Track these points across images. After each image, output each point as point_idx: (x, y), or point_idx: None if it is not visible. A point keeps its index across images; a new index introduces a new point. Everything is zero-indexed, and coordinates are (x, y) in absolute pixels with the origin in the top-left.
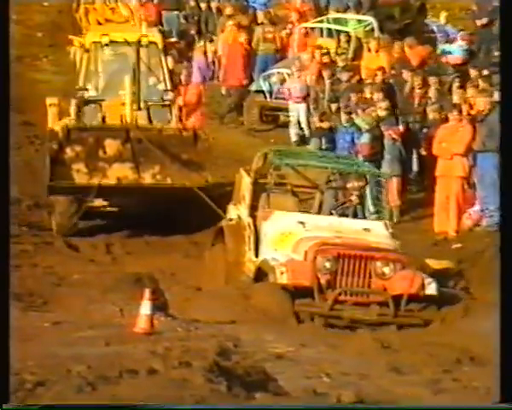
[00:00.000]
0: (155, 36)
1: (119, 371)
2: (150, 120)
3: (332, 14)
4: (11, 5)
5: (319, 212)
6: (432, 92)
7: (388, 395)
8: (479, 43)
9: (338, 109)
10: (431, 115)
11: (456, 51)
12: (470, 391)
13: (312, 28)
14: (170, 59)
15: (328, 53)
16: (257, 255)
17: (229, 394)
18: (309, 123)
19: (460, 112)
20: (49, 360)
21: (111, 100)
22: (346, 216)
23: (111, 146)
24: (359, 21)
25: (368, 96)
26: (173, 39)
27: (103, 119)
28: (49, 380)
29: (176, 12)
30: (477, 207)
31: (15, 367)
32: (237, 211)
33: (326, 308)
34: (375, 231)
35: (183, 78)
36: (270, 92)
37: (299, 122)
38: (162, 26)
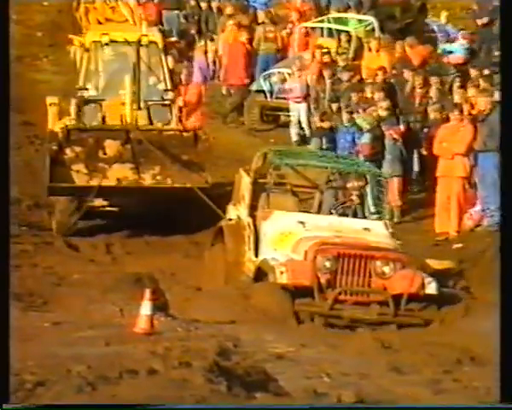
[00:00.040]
0: (155, 35)
1: (119, 371)
2: (150, 120)
3: (333, 14)
4: (11, 5)
5: (319, 212)
6: (433, 92)
7: (389, 395)
8: (479, 42)
9: (339, 109)
10: (432, 115)
11: (457, 50)
12: (471, 391)
13: (313, 28)
14: (170, 58)
15: (328, 53)
16: (256, 255)
17: (230, 394)
18: (309, 123)
19: (461, 112)
20: (49, 360)
21: (111, 100)
22: (346, 216)
23: (111, 147)
24: (360, 21)
25: (369, 95)
26: (173, 39)
27: (103, 118)
28: (49, 380)
29: (176, 11)
30: (478, 208)
31: (15, 367)
32: (237, 211)
33: (326, 308)
34: (375, 231)
35: (183, 77)
36: (271, 92)
37: (299, 122)
38: (162, 25)
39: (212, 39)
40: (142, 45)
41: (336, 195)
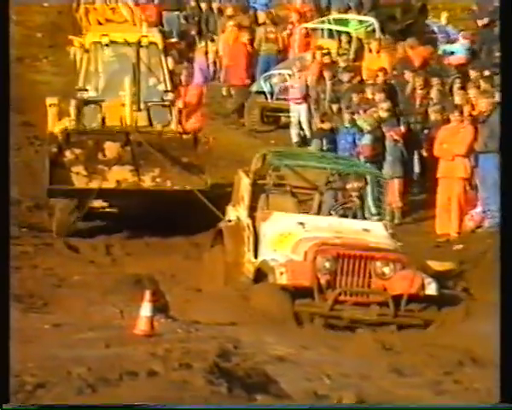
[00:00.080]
0: (155, 36)
1: (119, 373)
2: (150, 121)
3: (333, 15)
4: (11, 6)
5: (318, 213)
6: (434, 93)
7: (389, 396)
8: (480, 43)
9: (339, 110)
10: (433, 116)
11: (458, 50)
12: (472, 393)
13: (313, 29)
14: (170, 59)
15: (329, 53)
16: (256, 256)
17: (230, 396)
18: (310, 124)
19: (461, 113)
20: (50, 362)
21: (111, 101)
22: (346, 217)
23: (111, 149)
24: (360, 22)
25: (369, 96)
26: (174, 40)
27: (103, 119)
28: (49, 382)
29: (176, 12)
30: (479, 209)
31: (15, 369)
32: (236, 212)
33: (326, 308)
34: (375, 232)
35: (183, 78)
36: (271, 93)
37: (300, 123)
38: (163, 26)
39: (212, 40)
40: (142, 46)
41: (336, 196)
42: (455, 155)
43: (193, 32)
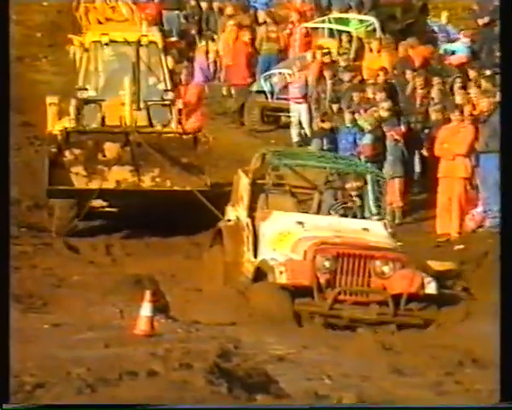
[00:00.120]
0: (155, 35)
1: (118, 373)
2: (150, 120)
3: (333, 14)
4: (11, 5)
5: (318, 212)
6: (434, 93)
7: (390, 396)
8: (481, 42)
9: (339, 110)
10: (433, 116)
11: (459, 49)
12: (472, 394)
13: (314, 28)
14: (170, 59)
15: (329, 53)
16: (255, 256)
17: (230, 396)
18: (310, 123)
19: (462, 112)
20: (49, 362)
21: (111, 100)
22: (346, 216)
23: (110, 149)
24: (361, 21)
25: (370, 96)
26: (173, 39)
27: (103, 119)
28: (48, 382)
29: (176, 11)
30: (480, 209)
31: (15, 369)
32: (236, 212)
33: (326, 308)
34: (374, 231)
35: (183, 77)
36: (272, 93)
37: (300, 123)
38: (163, 25)
39: (212, 39)
40: (141, 45)
41: (335, 195)
42: (455, 154)
43: (193, 32)
